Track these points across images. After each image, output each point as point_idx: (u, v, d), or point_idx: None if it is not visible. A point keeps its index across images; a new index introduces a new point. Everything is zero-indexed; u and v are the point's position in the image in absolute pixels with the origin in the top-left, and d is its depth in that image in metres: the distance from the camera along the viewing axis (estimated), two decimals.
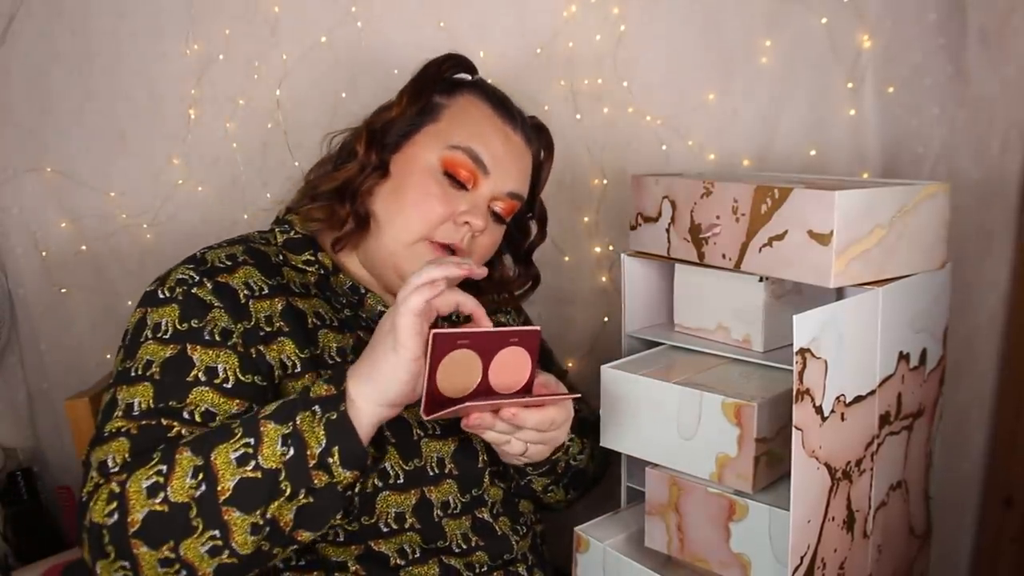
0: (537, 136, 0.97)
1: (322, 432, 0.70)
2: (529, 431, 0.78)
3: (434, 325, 0.74)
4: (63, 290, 1.37)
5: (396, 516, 0.83)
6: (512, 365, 0.76)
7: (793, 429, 0.72)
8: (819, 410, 0.74)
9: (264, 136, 1.28)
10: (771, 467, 0.80)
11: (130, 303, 1.35)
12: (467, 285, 0.99)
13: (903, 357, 0.85)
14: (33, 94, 1.29)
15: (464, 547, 0.86)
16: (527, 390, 0.78)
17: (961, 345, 1.10)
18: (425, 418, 0.73)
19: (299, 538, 0.72)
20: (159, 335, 0.78)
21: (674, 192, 0.92)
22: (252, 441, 0.70)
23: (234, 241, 0.89)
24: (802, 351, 0.72)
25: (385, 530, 0.82)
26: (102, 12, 1.26)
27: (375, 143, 0.90)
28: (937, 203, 0.85)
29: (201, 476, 0.69)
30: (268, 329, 0.81)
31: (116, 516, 0.69)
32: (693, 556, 0.86)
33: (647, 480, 0.88)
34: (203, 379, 0.77)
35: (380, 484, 0.82)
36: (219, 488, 0.69)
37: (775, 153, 1.17)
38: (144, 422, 0.75)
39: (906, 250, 0.83)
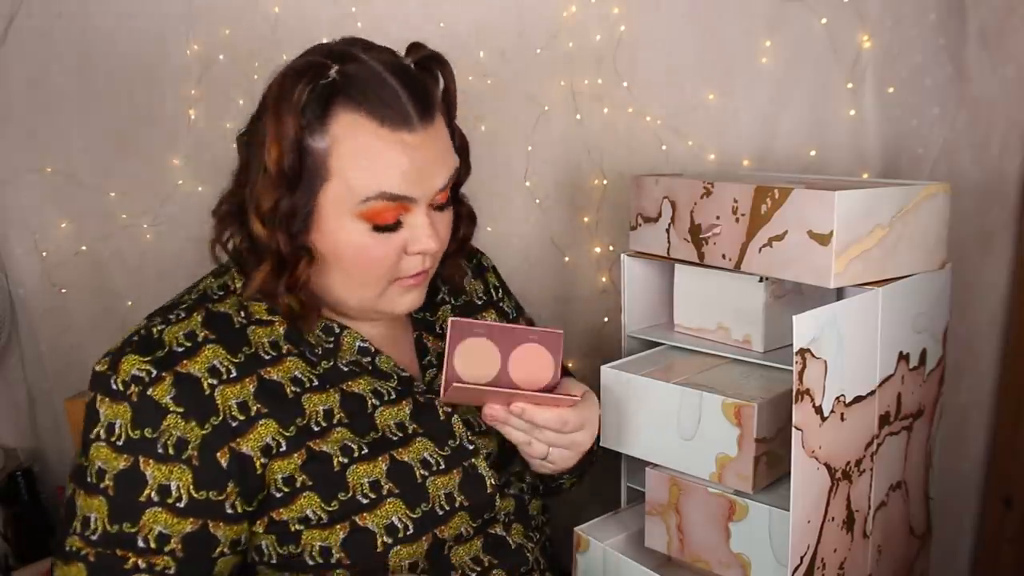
0: (433, 85, 0.81)
1: None
2: (549, 433, 0.79)
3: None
4: (63, 290, 1.37)
5: (410, 565, 0.80)
6: (533, 363, 0.79)
7: (793, 429, 0.72)
8: (819, 410, 0.74)
9: None
10: (771, 467, 0.80)
11: (130, 303, 1.35)
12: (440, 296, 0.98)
13: (903, 357, 0.85)
14: (33, 94, 1.29)
15: (477, 569, 0.84)
16: (550, 391, 0.79)
17: (961, 345, 1.10)
18: (441, 399, 0.78)
19: None
20: (112, 439, 0.73)
21: (674, 192, 0.92)
22: None
23: (192, 305, 0.79)
24: (802, 351, 0.72)
25: None
26: (102, 12, 1.26)
27: (279, 231, 0.75)
28: (937, 203, 0.85)
29: None
30: (242, 418, 0.75)
31: None
32: (693, 556, 0.86)
33: (647, 480, 0.88)
34: (156, 499, 0.72)
35: (391, 541, 0.78)
36: None
37: (775, 153, 1.17)
38: (100, 550, 0.72)
39: (906, 250, 0.83)
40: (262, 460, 0.75)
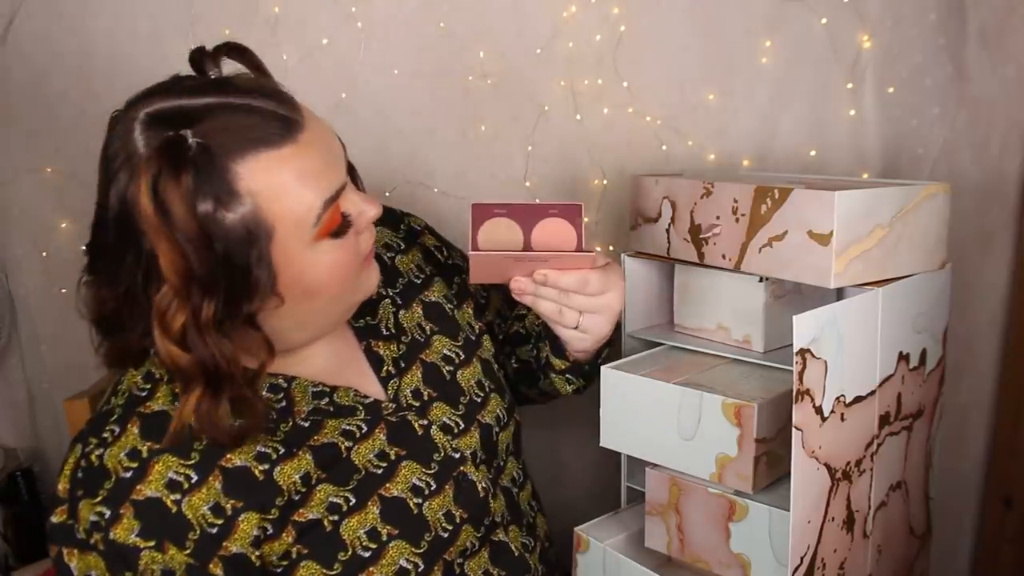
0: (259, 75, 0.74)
1: None
2: (576, 297, 0.80)
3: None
4: (63, 290, 1.37)
5: None
6: (556, 236, 0.80)
7: (793, 429, 0.72)
8: (819, 410, 0.74)
9: None
10: (771, 467, 0.80)
11: None
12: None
13: (903, 357, 0.85)
14: (33, 94, 1.29)
15: None
16: None
17: (961, 345, 1.10)
18: (469, 279, 0.80)
19: None
20: None
21: (674, 192, 0.92)
22: None
23: (123, 415, 0.72)
24: (802, 351, 0.72)
25: None
26: (102, 13, 1.26)
27: (211, 342, 0.65)
28: (937, 203, 0.85)
29: None
30: (220, 522, 0.70)
31: None
32: (693, 556, 0.86)
33: (647, 480, 0.88)
34: None
35: None
36: None
37: (775, 153, 1.17)
38: None
39: (906, 250, 0.83)
40: (256, 553, 0.71)
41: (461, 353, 0.90)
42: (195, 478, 0.70)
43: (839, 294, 0.87)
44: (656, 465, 0.87)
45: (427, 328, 0.89)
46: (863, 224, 0.78)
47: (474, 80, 1.20)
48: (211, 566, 0.69)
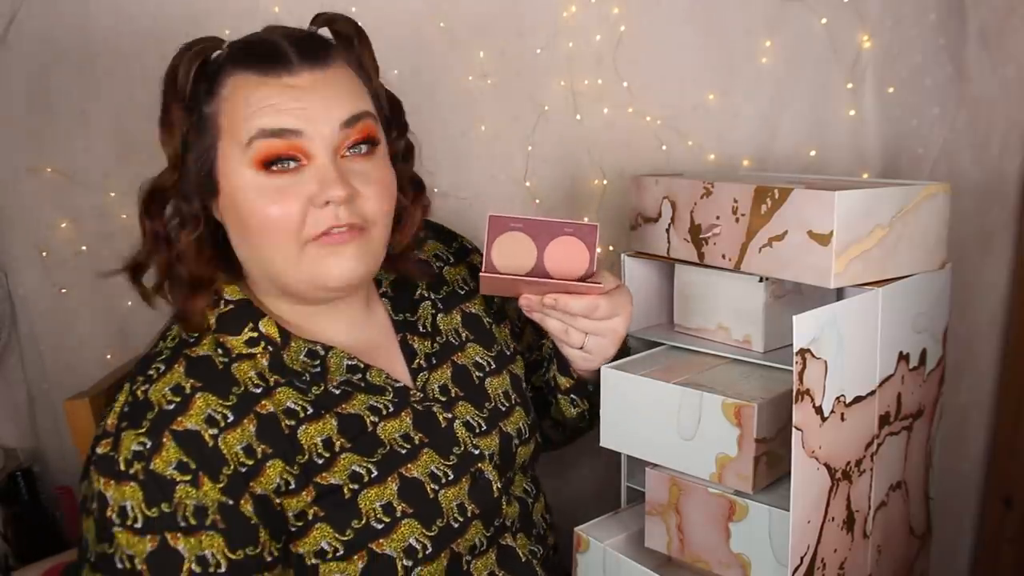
0: (332, 40, 0.81)
1: None
2: (583, 320, 0.82)
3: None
4: (63, 290, 1.36)
5: None
6: (569, 255, 0.81)
7: (793, 429, 0.72)
8: (819, 410, 0.74)
9: None
10: (771, 467, 0.80)
11: (130, 303, 1.35)
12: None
13: (903, 357, 0.85)
14: (34, 94, 1.29)
15: None
16: (584, 281, 0.82)
17: (961, 345, 1.10)
18: (480, 291, 0.84)
19: None
20: (128, 523, 0.69)
21: (674, 192, 0.92)
22: None
23: (171, 356, 0.76)
24: (802, 351, 0.72)
25: None
26: (102, 12, 1.26)
27: (193, 201, 0.77)
28: (937, 203, 0.85)
29: None
30: (251, 462, 0.73)
31: None
32: (693, 556, 0.86)
33: (647, 480, 0.88)
34: (197, 570, 0.70)
35: (410, 563, 0.77)
36: None
37: (775, 153, 1.17)
38: None
39: (906, 250, 0.83)
40: (277, 500, 0.74)
41: (493, 363, 0.92)
42: (231, 418, 0.74)
43: (839, 294, 0.87)
44: (656, 465, 0.87)
45: (463, 335, 0.92)
46: (863, 224, 0.78)
47: (474, 80, 1.20)
48: (242, 502, 0.72)
